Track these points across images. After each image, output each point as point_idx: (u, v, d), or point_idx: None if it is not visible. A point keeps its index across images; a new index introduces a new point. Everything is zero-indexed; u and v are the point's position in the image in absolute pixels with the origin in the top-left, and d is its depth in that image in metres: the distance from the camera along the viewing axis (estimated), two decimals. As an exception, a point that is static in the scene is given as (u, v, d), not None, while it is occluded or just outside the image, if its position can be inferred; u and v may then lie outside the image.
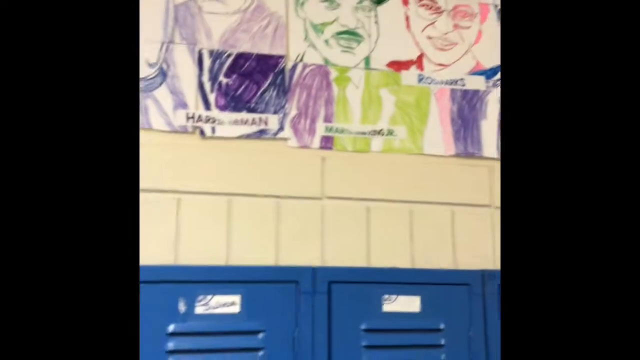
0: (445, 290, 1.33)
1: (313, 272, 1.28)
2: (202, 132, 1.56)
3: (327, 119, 1.66)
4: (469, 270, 1.43)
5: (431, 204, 1.68)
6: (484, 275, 1.35)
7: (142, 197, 1.41)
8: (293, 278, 1.24)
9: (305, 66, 1.68)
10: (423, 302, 1.30)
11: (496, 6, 1.86)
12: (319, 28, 1.71)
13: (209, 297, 1.23)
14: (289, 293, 1.23)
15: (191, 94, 1.58)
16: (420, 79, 1.76)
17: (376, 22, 1.76)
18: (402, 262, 1.60)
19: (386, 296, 1.29)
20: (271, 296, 1.23)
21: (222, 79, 1.61)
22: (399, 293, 1.30)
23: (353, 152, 1.66)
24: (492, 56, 1.83)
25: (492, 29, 1.85)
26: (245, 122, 1.59)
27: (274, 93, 1.64)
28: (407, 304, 1.30)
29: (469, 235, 1.67)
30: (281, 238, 1.53)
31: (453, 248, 1.66)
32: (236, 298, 1.21)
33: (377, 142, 1.68)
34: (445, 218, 1.68)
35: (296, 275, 1.25)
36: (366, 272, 1.37)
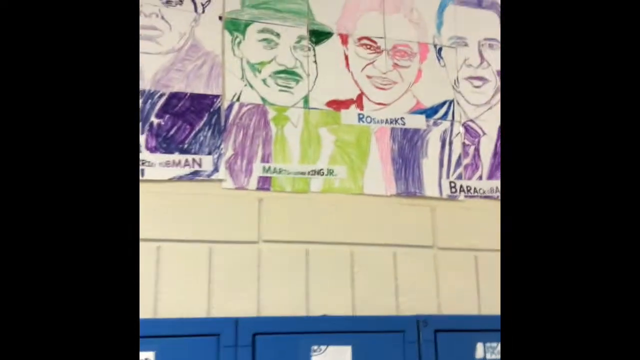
0: (379, 339, 1.27)
1: (235, 324, 1.21)
2: (131, 175, 1.49)
3: (265, 159, 1.62)
4: (404, 317, 1.38)
5: (373, 245, 1.63)
6: (418, 321, 1.30)
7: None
8: (214, 331, 1.17)
9: (242, 105, 1.64)
10: (354, 352, 1.24)
11: (435, 45, 1.87)
12: (256, 67, 1.68)
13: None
14: (210, 346, 1.15)
15: (120, 135, 1.51)
16: (360, 118, 1.74)
17: (315, 62, 1.74)
18: (343, 308, 1.55)
19: (315, 347, 1.23)
20: (189, 351, 1.15)
21: (154, 119, 1.55)
22: (329, 343, 1.24)
23: (292, 193, 1.61)
24: (432, 95, 1.83)
25: (432, 67, 1.85)
26: (177, 164, 1.53)
27: (209, 133, 1.58)
28: (337, 354, 1.23)
29: (410, 278, 1.63)
30: (213, 286, 1.45)
31: (395, 292, 1.61)
32: (150, 354, 1.13)
33: (316, 182, 1.64)
34: (387, 260, 1.64)
35: (217, 327, 1.18)
36: (294, 321, 1.30)
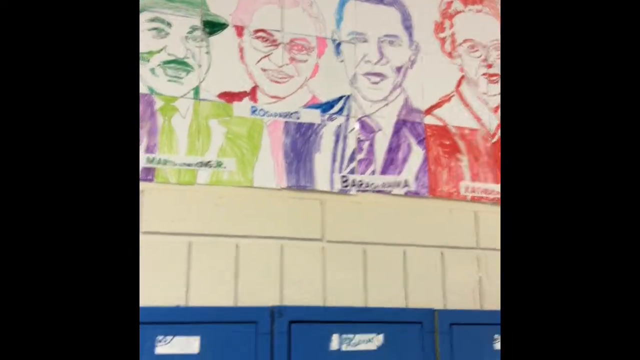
0: (227, 329, 1.28)
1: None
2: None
3: (149, 149, 1.60)
4: (258, 307, 1.39)
5: (260, 238, 1.64)
6: (272, 311, 1.31)
7: None
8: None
9: (127, 95, 1.61)
10: (203, 342, 1.23)
11: (334, 40, 1.88)
12: (144, 57, 1.65)
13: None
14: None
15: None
16: (254, 111, 1.74)
17: (207, 53, 1.72)
18: (225, 300, 1.55)
19: (160, 337, 1.22)
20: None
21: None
22: (175, 334, 1.24)
23: (177, 185, 1.60)
24: (328, 90, 1.84)
25: (329, 62, 1.86)
26: (53, 153, 1.49)
27: (91, 122, 1.55)
28: (185, 344, 1.23)
29: (296, 270, 1.64)
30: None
31: (280, 284, 1.62)
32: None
33: (204, 174, 1.63)
34: (274, 253, 1.64)
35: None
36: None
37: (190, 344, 1.21)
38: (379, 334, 1.34)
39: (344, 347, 1.30)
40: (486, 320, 1.48)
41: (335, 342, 1.30)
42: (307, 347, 1.27)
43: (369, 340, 1.31)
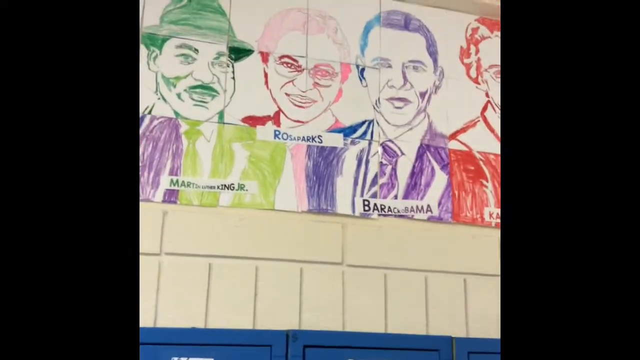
0: (242, 351, 1.28)
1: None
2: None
3: (173, 172, 1.63)
4: (274, 331, 1.39)
5: (279, 260, 1.65)
6: (287, 335, 1.31)
7: None
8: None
9: (153, 118, 1.66)
10: None
11: (358, 66, 1.90)
12: (171, 82, 1.70)
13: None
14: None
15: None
16: (277, 135, 1.76)
17: (233, 78, 1.76)
18: (243, 323, 1.55)
19: (175, 358, 1.24)
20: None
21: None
22: (189, 355, 1.25)
23: (199, 206, 1.63)
24: (351, 114, 1.86)
25: (353, 87, 1.88)
26: (80, 174, 1.55)
27: (118, 145, 1.60)
28: None
29: (316, 294, 1.64)
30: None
31: (299, 307, 1.62)
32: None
33: (226, 197, 1.66)
34: (294, 276, 1.65)
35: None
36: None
37: (201, 364, 1.22)
38: (391, 360, 1.33)
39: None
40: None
41: (348, 367, 1.29)
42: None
43: (382, 368, 1.30)
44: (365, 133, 1.85)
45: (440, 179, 1.87)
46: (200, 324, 1.51)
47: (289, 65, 1.84)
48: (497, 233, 1.86)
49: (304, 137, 1.79)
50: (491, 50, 2.07)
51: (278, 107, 1.79)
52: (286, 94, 1.81)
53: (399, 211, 1.80)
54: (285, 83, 1.82)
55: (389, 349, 1.34)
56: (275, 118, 1.78)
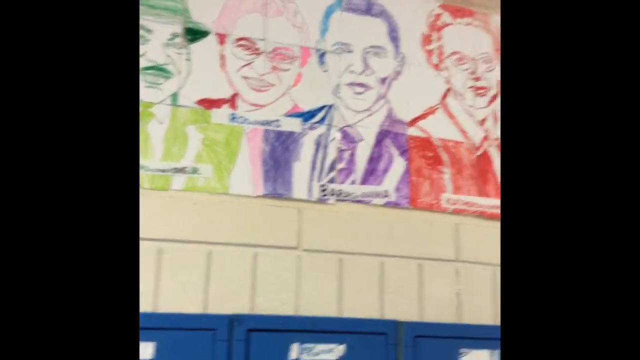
0: (184, 335, 1.26)
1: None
2: None
3: (125, 154, 1.60)
4: (215, 315, 1.37)
5: (233, 245, 1.63)
6: (231, 319, 1.29)
7: None
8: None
9: (104, 100, 1.62)
10: (159, 348, 1.22)
11: (318, 50, 1.88)
12: (124, 62, 1.66)
13: None
14: None
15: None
16: (233, 118, 1.74)
17: (188, 60, 1.73)
18: (194, 307, 1.54)
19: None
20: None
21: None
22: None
23: (150, 190, 1.60)
24: (310, 99, 1.84)
25: (313, 72, 1.86)
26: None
27: (67, 126, 1.56)
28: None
29: (272, 279, 1.63)
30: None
31: (251, 292, 1.61)
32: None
33: (179, 180, 1.63)
34: (248, 260, 1.63)
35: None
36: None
37: (144, 349, 1.20)
38: (341, 344, 1.31)
39: (304, 357, 1.27)
40: (454, 333, 1.45)
41: (294, 352, 1.28)
42: (266, 356, 1.26)
43: (330, 351, 1.29)
44: (324, 118, 1.84)
45: (399, 165, 1.87)
46: (149, 309, 1.49)
47: (247, 48, 1.81)
48: (453, 219, 1.86)
49: (261, 121, 1.77)
50: (453, 37, 2.06)
51: (235, 90, 1.77)
52: (243, 77, 1.79)
53: (356, 196, 1.79)
54: (243, 66, 1.80)
55: (335, 332, 1.34)
56: (232, 101, 1.76)
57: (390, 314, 1.67)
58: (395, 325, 1.36)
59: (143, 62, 1.68)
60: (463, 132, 1.98)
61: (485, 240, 1.85)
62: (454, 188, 1.90)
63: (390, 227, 1.79)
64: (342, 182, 1.80)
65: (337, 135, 1.83)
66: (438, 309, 1.74)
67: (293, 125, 1.80)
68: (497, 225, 1.89)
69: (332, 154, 1.81)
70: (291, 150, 1.77)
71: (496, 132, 2.01)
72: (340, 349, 1.30)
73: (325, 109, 1.85)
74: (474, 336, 1.40)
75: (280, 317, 1.48)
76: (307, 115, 1.82)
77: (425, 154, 1.91)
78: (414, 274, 1.76)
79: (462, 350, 1.40)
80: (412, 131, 1.92)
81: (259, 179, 1.72)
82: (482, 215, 1.89)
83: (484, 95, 2.04)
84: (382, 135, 1.88)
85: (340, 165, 1.81)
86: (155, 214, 1.57)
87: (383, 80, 1.94)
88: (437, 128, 1.95)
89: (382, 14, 2.00)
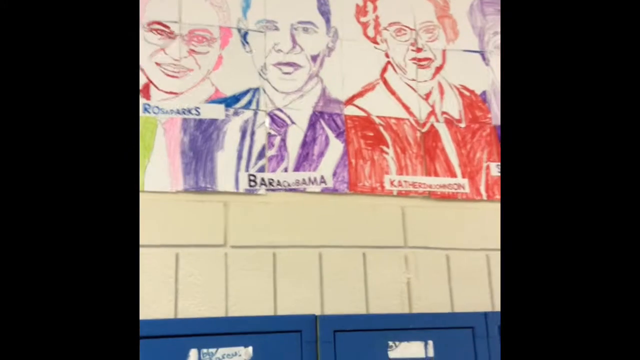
0: None
1: None
2: None
3: (22, 156, 1.45)
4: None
5: (151, 247, 1.48)
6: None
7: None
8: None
9: None
10: None
11: (240, 30, 1.74)
12: (17, 55, 1.51)
13: None
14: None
15: None
16: (146, 109, 1.59)
17: (92, 48, 1.58)
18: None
19: None
20: None
21: None
22: None
23: (53, 193, 1.45)
24: (233, 83, 1.69)
25: (235, 53, 1.72)
26: None
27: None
28: None
29: (197, 279, 1.48)
30: None
31: (175, 295, 1.46)
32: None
33: (86, 180, 1.48)
34: (169, 261, 1.48)
35: None
36: None
37: None
38: (247, 346, 1.17)
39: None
40: (381, 325, 1.30)
41: (193, 358, 1.13)
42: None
43: (235, 354, 1.14)
44: (250, 102, 1.69)
45: (335, 147, 1.72)
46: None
47: (160, 32, 1.67)
48: (399, 202, 1.72)
49: (178, 109, 1.62)
50: (390, 7, 1.92)
51: (147, 78, 1.62)
52: (156, 63, 1.64)
53: (289, 184, 1.65)
54: (155, 51, 1.65)
55: (243, 333, 1.19)
56: (145, 90, 1.61)
57: (329, 309, 1.53)
58: (311, 320, 1.22)
59: (39, 54, 1.53)
60: (406, 107, 1.84)
61: (435, 223, 1.71)
62: (398, 168, 1.76)
63: (328, 216, 1.64)
64: (273, 171, 1.65)
65: (266, 120, 1.69)
66: (386, 300, 1.60)
67: (215, 112, 1.65)
68: (446, 205, 1.75)
69: (260, 141, 1.67)
70: (213, 140, 1.63)
71: (443, 105, 1.87)
72: (247, 351, 1.15)
73: (251, 92, 1.70)
74: (405, 327, 1.25)
75: (173, 320, 1.33)
76: (231, 101, 1.67)
77: (364, 134, 1.77)
78: (358, 264, 1.62)
79: (390, 342, 1.26)
80: (350, 110, 1.77)
81: (177, 173, 1.57)
82: (430, 196, 1.75)
83: (428, 67, 1.90)
84: (316, 117, 1.74)
85: (270, 152, 1.66)
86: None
87: (314, 57, 1.79)
88: (377, 105, 1.81)
89: (311, -13, 1.86)
